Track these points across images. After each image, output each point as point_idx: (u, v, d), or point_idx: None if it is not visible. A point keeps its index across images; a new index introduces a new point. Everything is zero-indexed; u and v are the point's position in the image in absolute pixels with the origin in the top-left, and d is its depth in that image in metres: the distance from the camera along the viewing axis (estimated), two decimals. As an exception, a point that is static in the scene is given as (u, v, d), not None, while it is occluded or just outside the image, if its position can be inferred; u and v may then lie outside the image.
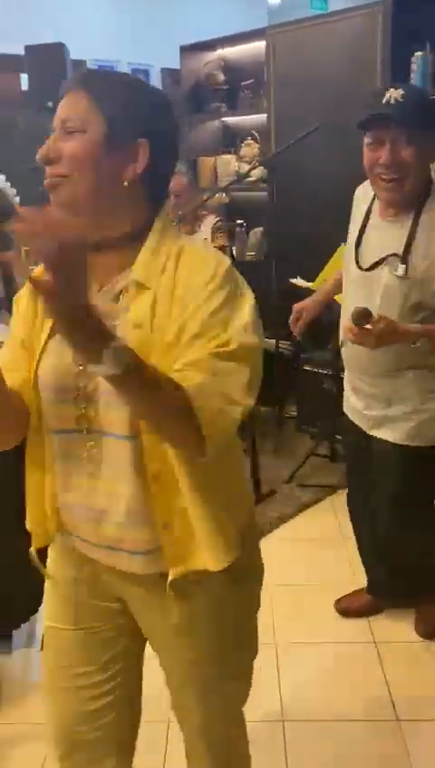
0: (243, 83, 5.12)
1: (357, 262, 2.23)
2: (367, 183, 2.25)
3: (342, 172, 3.64)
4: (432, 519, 2.46)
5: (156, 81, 7.08)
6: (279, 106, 4.56)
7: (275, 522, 3.44)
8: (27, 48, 4.71)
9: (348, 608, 2.78)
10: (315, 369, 4.12)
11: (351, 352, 2.28)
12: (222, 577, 1.32)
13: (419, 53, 3.86)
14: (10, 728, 2.27)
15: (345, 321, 2.04)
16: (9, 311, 1.49)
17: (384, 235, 2.17)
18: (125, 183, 1.20)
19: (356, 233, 2.25)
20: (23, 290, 1.41)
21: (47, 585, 1.50)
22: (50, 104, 4.10)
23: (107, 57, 6.63)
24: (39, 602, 2.16)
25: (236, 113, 5.30)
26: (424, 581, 2.62)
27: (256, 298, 1.25)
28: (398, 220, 2.14)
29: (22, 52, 4.73)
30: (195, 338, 1.17)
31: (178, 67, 5.46)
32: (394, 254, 2.11)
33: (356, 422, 2.42)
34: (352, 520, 2.72)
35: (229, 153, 5.30)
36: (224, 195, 5.15)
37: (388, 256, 2.13)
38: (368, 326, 1.97)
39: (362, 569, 2.76)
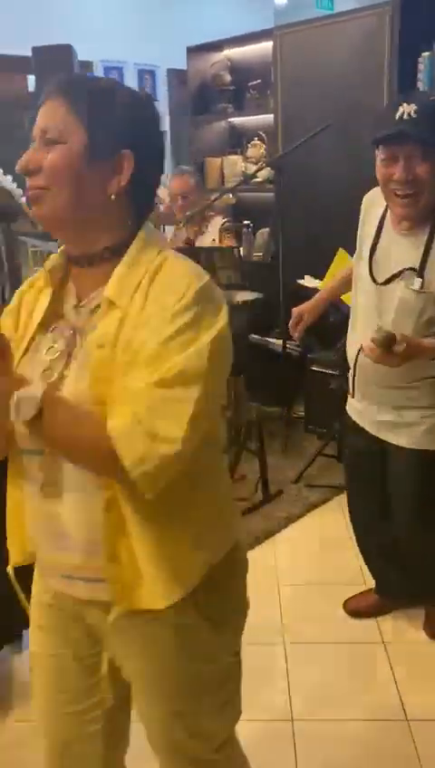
0: (249, 84, 5.11)
1: (371, 274, 2.20)
2: (376, 191, 2.24)
3: (349, 173, 3.68)
4: None
5: (162, 81, 7.09)
6: (286, 106, 4.56)
7: (282, 522, 3.45)
8: (34, 49, 4.72)
9: (357, 608, 2.78)
10: (323, 370, 4.12)
11: (362, 362, 2.25)
12: (189, 613, 1.27)
13: (426, 54, 3.86)
14: (24, 727, 2.28)
15: (367, 342, 1.99)
16: None
17: (399, 249, 2.15)
18: (110, 197, 1.16)
19: (369, 246, 2.23)
20: (9, 306, 1.38)
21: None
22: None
23: (114, 58, 6.64)
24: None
25: (243, 114, 5.30)
26: None
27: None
28: (412, 234, 2.13)
29: (29, 53, 4.74)
30: (148, 361, 1.11)
31: (184, 68, 5.46)
32: (410, 268, 2.10)
33: (365, 426, 2.41)
34: (353, 521, 2.71)
35: (236, 154, 5.30)
36: (231, 195, 5.15)
37: (404, 270, 2.12)
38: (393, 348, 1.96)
39: (369, 568, 2.76)
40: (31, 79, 5.39)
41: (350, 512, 2.70)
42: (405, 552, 2.59)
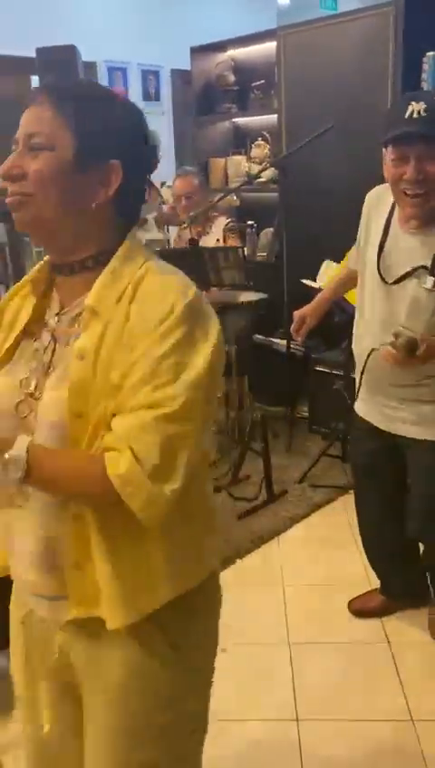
0: (253, 84, 5.12)
1: (380, 274, 2.19)
2: (380, 189, 2.23)
3: (352, 172, 3.68)
4: None
5: (166, 82, 7.09)
6: (290, 107, 4.56)
7: (287, 522, 3.45)
8: (38, 50, 4.72)
9: (361, 608, 2.78)
10: (327, 370, 4.13)
11: (375, 363, 2.22)
12: (154, 638, 1.22)
13: (430, 54, 3.85)
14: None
15: (386, 348, 1.99)
16: None
17: (408, 248, 2.14)
18: (95, 206, 1.13)
19: (377, 245, 2.21)
20: None
21: None
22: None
23: (117, 58, 6.65)
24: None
25: (247, 114, 5.31)
26: None
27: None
28: (421, 232, 2.11)
29: (32, 54, 4.74)
30: (139, 384, 1.07)
31: (188, 68, 5.47)
32: (422, 267, 2.09)
33: (378, 425, 2.38)
34: (361, 523, 2.70)
35: (240, 154, 5.31)
36: (234, 196, 5.16)
37: (416, 269, 2.11)
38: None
39: (374, 569, 2.76)
40: (34, 79, 5.38)
41: (358, 513, 2.68)
42: (415, 551, 2.57)
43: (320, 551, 3.26)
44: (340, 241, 3.15)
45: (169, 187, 5.00)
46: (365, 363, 2.28)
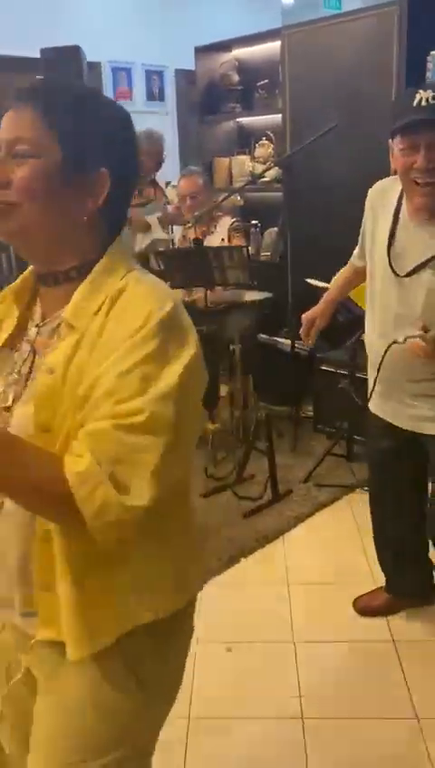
0: (257, 84, 5.12)
1: (391, 267, 2.17)
2: (384, 182, 2.22)
3: (356, 172, 3.67)
4: None
5: (170, 82, 7.10)
6: (294, 106, 4.56)
7: (292, 521, 3.45)
8: (43, 51, 4.74)
9: (366, 607, 2.78)
10: (332, 369, 4.13)
11: (393, 358, 2.18)
12: (119, 673, 1.19)
13: (434, 53, 3.85)
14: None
15: (414, 341, 1.99)
16: None
17: (419, 239, 2.11)
18: (82, 216, 1.10)
19: (385, 239, 2.19)
20: None
21: None
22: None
23: (121, 59, 6.67)
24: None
25: (251, 114, 5.31)
26: None
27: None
28: (431, 223, 2.09)
29: (36, 54, 4.75)
30: (105, 396, 1.02)
31: (192, 68, 5.48)
32: None
33: (396, 423, 2.35)
34: (374, 519, 2.69)
35: (244, 154, 5.31)
36: (238, 196, 5.16)
37: (429, 260, 2.08)
38: None
39: (379, 567, 2.76)
40: (39, 80, 5.39)
41: (371, 512, 2.68)
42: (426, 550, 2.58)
43: (325, 550, 3.26)
44: (344, 240, 3.15)
45: (173, 187, 5.01)
46: (383, 357, 2.21)
